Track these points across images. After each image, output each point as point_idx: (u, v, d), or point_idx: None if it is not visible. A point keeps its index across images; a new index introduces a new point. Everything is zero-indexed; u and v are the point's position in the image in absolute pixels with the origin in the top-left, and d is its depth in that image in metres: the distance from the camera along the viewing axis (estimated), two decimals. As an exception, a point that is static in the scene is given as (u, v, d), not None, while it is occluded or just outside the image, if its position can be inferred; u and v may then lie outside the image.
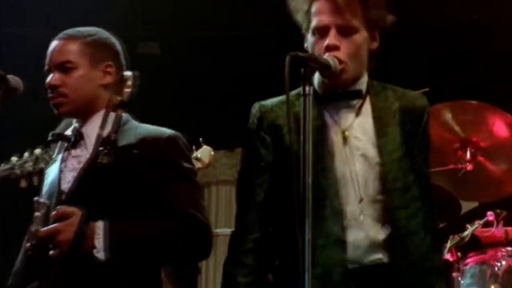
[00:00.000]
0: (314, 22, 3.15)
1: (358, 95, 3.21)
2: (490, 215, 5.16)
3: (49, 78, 3.37)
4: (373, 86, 3.27)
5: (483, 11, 6.91)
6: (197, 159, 4.24)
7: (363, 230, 3.11)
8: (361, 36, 3.16)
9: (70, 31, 3.46)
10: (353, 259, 3.09)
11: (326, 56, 3.07)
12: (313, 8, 3.17)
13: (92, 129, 3.36)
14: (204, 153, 4.24)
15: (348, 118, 3.20)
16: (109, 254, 3.12)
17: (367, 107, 3.23)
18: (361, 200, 3.11)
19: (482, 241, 5.30)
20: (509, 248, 5.02)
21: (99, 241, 3.12)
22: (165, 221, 3.23)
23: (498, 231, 5.23)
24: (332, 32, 3.11)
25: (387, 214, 3.13)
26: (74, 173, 3.30)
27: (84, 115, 3.40)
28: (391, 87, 3.30)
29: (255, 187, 3.24)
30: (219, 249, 8.54)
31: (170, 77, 7.72)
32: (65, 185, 3.30)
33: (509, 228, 5.30)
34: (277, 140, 3.22)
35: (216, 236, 7.72)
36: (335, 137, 3.18)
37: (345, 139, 3.17)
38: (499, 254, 4.99)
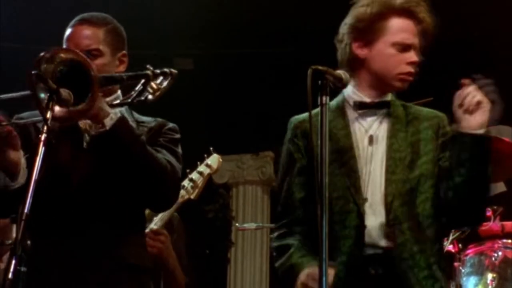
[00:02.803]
0: (399, 37, 3.18)
1: (389, 105, 3.24)
2: (487, 211, 5.15)
3: None
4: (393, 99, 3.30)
5: (483, 28, 6.87)
6: (207, 165, 4.29)
7: (378, 217, 3.11)
8: None
9: (89, 16, 3.27)
10: (369, 243, 3.08)
11: (402, 68, 3.16)
12: (395, 23, 3.20)
13: None
14: (213, 160, 4.30)
15: (374, 124, 3.23)
16: (113, 126, 2.99)
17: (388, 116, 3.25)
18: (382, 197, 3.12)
19: (481, 234, 5.29)
20: (505, 240, 5.02)
21: (114, 114, 3.02)
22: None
23: (495, 225, 5.22)
24: (413, 50, 3.20)
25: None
26: None
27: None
28: (407, 104, 3.33)
29: (293, 186, 3.24)
30: (246, 242, 8.59)
31: (202, 90, 7.75)
32: None
33: (505, 223, 5.29)
34: (308, 146, 3.23)
35: (243, 230, 7.79)
36: (362, 141, 3.19)
37: (370, 142, 3.19)
38: (496, 245, 4.98)
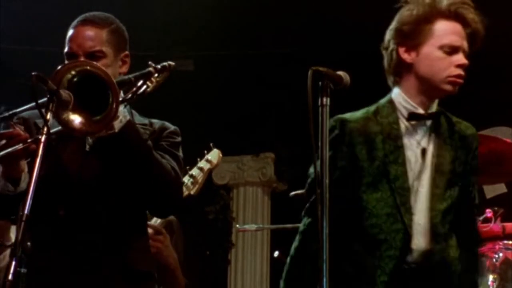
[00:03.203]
0: (447, 40, 3.15)
1: (439, 116, 3.24)
2: (488, 212, 5.15)
3: None
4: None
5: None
6: (208, 160, 4.28)
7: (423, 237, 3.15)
8: None
9: (92, 16, 3.24)
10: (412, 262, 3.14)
11: (451, 70, 3.13)
12: (442, 26, 3.16)
13: None
14: (213, 155, 4.29)
15: (425, 137, 3.21)
16: (122, 128, 2.98)
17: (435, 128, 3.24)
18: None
19: (482, 235, 5.29)
20: (505, 242, 5.01)
21: (123, 117, 3.01)
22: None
23: (496, 226, 5.21)
24: (461, 53, 3.16)
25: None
26: None
27: None
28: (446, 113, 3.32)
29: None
30: (246, 243, 8.58)
31: (203, 91, 7.74)
32: None
33: (506, 224, 5.29)
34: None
35: (243, 231, 7.78)
36: (414, 155, 3.18)
37: (423, 156, 3.18)
38: (497, 247, 4.98)
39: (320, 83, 2.87)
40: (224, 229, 8.48)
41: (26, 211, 2.56)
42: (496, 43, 6.82)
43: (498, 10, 6.43)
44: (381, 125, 3.17)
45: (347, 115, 3.24)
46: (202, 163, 4.25)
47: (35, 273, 3.04)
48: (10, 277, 2.51)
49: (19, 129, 2.96)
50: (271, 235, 8.36)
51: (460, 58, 3.15)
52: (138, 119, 3.31)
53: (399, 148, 3.16)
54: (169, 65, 3.07)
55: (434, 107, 3.22)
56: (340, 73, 3.01)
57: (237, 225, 7.70)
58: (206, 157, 4.28)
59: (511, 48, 6.71)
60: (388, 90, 3.32)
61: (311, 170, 3.19)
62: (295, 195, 4.68)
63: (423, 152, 3.17)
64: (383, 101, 3.26)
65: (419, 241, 3.12)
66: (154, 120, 3.35)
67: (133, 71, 3.23)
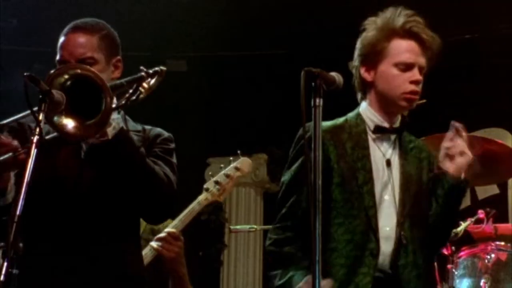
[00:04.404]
0: (400, 57, 3.26)
1: (402, 131, 3.36)
2: (481, 213, 5.16)
3: None
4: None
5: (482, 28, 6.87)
6: (237, 168, 4.28)
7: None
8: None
9: (83, 23, 3.24)
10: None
11: (406, 87, 3.24)
12: (396, 44, 3.28)
13: None
14: (243, 163, 4.31)
15: (389, 149, 3.33)
16: (116, 135, 2.98)
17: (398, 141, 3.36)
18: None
19: (474, 236, 5.30)
20: (498, 243, 5.02)
21: (117, 124, 3.01)
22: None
23: (488, 227, 5.22)
24: (416, 69, 3.26)
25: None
26: None
27: None
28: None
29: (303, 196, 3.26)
30: (239, 244, 8.57)
31: (195, 92, 7.74)
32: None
33: (497, 225, 5.29)
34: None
35: (236, 232, 7.78)
36: (380, 164, 3.28)
37: (388, 166, 3.28)
38: (489, 248, 4.98)
39: (313, 84, 2.88)
40: (217, 230, 8.46)
41: (18, 212, 2.55)
42: (491, 45, 6.86)
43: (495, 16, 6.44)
44: (350, 133, 3.31)
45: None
46: (230, 170, 4.25)
47: (27, 275, 3.03)
48: (1, 278, 2.50)
49: (9, 139, 2.93)
50: (264, 236, 8.34)
51: (413, 75, 3.26)
52: (132, 125, 3.31)
53: (367, 157, 3.28)
54: (161, 70, 3.07)
55: (397, 122, 3.35)
56: (333, 74, 3.03)
57: (230, 226, 7.68)
58: (234, 164, 4.28)
59: (506, 50, 6.73)
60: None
61: (285, 177, 3.32)
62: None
63: (388, 163, 3.29)
64: (351, 114, 3.39)
65: (385, 245, 3.19)
66: (147, 127, 3.35)
67: (126, 72, 3.22)
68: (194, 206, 4.26)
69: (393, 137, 3.33)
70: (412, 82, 3.25)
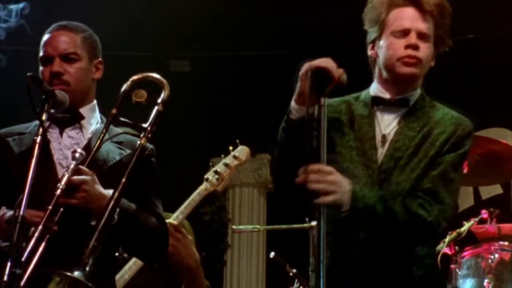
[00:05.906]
0: (395, 25, 3.21)
1: (406, 103, 3.25)
2: (484, 213, 5.15)
3: (54, 65, 3.21)
4: (423, 99, 3.29)
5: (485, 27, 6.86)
6: (235, 157, 4.28)
7: None
8: (431, 48, 3.23)
9: (67, 23, 3.31)
10: None
11: (401, 52, 3.16)
12: (393, 15, 3.22)
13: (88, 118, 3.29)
14: (241, 152, 4.32)
15: (390, 123, 3.25)
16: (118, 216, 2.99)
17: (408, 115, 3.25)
18: None
19: (477, 236, 5.30)
20: (501, 243, 5.01)
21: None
22: (144, 212, 3.22)
23: (491, 227, 5.22)
24: (413, 34, 3.18)
25: None
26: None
27: (78, 105, 3.27)
28: (439, 106, 3.31)
29: None
30: (242, 245, 8.57)
31: (199, 92, 7.74)
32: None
33: (501, 225, 5.29)
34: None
35: (239, 232, 7.77)
36: (378, 135, 3.23)
37: (383, 143, 3.21)
38: (492, 248, 4.97)
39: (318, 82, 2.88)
40: (220, 230, 8.47)
41: (21, 213, 2.55)
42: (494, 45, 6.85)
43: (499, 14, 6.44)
44: (356, 106, 3.28)
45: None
46: (228, 159, 4.27)
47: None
48: (5, 278, 2.50)
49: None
50: (267, 236, 8.34)
51: (408, 39, 3.19)
52: (114, 130, 3.26)
53: (371, 127, 3.23)
54: (161, 81, 3.15)
55: (409, 95, 3.25)
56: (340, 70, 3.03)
57: (233, 226, 7.67)
58: (233, 153, 4.29)
59: (508, 49, 6.73)
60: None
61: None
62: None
63: (383, 139, 3.21)
64: (364, 91, 3.35)
65: None
66: (128, 136, 3.28)
67: (130, 72, 3.21)
68: (194, 197, 4.26)
69: (401, 110, 3.25)
70: (407, 46, 3.18)
